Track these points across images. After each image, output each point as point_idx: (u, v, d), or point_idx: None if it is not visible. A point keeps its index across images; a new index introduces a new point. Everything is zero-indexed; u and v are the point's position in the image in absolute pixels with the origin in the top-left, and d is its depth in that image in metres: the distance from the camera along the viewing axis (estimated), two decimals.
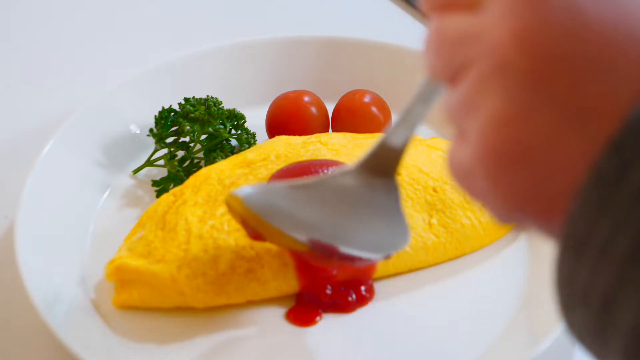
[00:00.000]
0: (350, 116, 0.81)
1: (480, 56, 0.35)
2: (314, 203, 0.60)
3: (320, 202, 0.60)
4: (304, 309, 0.67)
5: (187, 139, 0.79)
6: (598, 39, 0.33)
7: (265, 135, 0.81)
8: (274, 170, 0.72)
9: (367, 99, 0.81)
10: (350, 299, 0.68)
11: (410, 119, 0.51)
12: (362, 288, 0.68)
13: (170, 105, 0.80)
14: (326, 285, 0.67)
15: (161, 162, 0.79)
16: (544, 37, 0.33)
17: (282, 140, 0.76)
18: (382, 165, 0.57)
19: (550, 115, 0.33)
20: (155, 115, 0.79)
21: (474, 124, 0.35)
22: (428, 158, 0.74)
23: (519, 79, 0.33)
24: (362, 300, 0.68)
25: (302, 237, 0.60)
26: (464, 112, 0.36)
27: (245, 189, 0.62)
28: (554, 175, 0.34)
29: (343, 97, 0.82)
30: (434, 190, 0.72)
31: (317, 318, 0.67)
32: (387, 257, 0.62)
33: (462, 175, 0.37)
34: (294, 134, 0.77)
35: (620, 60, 0.32)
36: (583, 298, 0.33)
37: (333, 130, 0.81)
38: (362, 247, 0.60)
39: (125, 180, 0.79)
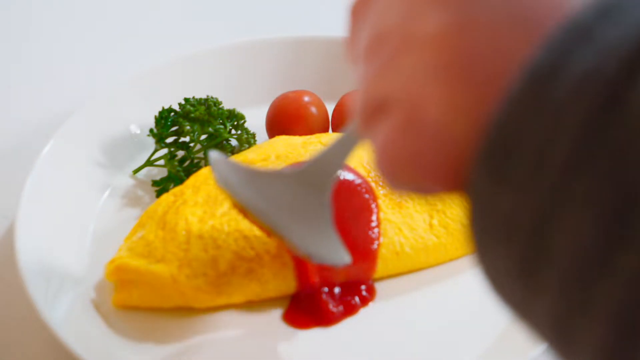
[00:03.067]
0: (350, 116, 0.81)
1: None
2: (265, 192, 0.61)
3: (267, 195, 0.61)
4: (302, 311, 0.67)
5: (187, 139, 0.79)
6: None
7: (265, 135, 0.81)
8: None
9: None
10: (353, 302, 0.68)
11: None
12: (363, 287, 0.68)
13: (170, 105, 0.80)
14: (326, 286, 0.67)
15: (161, 162, 0.79)
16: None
17: (282, 140, 0.76)
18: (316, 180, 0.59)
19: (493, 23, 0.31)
20: (155, 115, 0.79)
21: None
22: None
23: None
24: (363, 301, 0.68)
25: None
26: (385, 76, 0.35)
27: (215, 155, 0.62)
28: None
29: (343, 97, 0.82)
30: None
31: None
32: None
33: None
34: (294, 134, 0.77)
35: None
36: (506, 229, 0.29)
37: (333, 130, 0.81)
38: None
39: (125, 180, 0.79)
